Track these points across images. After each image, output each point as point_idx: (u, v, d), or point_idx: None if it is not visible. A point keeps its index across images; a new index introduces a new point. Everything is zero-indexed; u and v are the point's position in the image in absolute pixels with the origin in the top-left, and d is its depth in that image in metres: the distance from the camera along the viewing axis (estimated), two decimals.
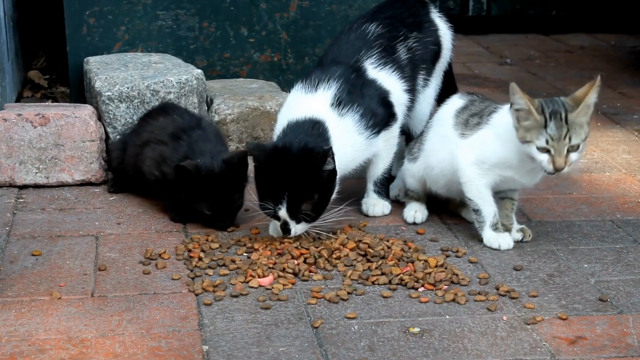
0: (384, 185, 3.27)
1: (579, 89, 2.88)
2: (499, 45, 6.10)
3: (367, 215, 3.26)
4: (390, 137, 3.22)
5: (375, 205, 3.26)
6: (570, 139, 2.81)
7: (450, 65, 3.54)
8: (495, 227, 3.02)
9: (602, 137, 4.17)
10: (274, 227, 3.06)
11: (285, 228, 2.93)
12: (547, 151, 2.82)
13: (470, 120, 3.04)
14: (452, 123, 3.08)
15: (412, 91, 3.29)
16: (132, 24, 4.09)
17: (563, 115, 2.81)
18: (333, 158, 2.91)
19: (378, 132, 3.14)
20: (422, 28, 3.38)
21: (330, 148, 2.89)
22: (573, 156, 2.84)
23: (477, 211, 3.04)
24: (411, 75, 3.29)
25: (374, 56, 3.20)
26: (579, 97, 2.86)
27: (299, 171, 2.88)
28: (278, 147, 2.93)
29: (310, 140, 2.94)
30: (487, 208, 3.02)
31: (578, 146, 2.83)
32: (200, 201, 3.09)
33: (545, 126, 2.81)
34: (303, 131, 2.96)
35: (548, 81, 5.15)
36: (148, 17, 4.10)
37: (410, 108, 3.32)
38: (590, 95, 2.84)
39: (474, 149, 3.00)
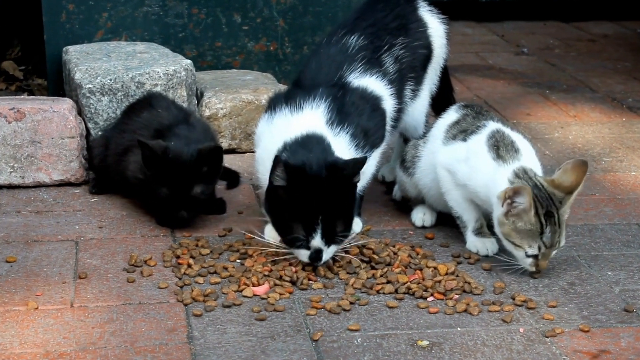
0: (358, 204, 3.22)
1: (565, 172, 2.82)
2: (515, 33, 6.10)
3: None
4: (377, 157, 3.19)
5: None
6: (559, 243, 2.83)
7: (445, 60, 3.51)
8: (478, 232, 3.06)
9: (627, 134, 4.17)
10: (270, 232, 3.06)
11: (317, 256, 2.84)
12: (535, 256, 2.84)
13: (458, 136, 3.08)
14: (442, 137, 3.12)
15: (400, 106, 3.25)
16: (115, 10, 4.09)
17: (556, 218, 2.80)
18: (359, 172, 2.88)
19: (375, 147, 3.12)
20: (408, 30, 3.30)
21: (366, 158, 2.88)
22: (554, 252, 2.86)
23: (458, 217, 3.10)
24: (398, 88, 3.23)
25: (358, 70, 3.14)
26: (566, 185, 2.81)
27: (333, 188, 2.81)
28: (299, 165, 2.83)
29: (328, 156, 2.87)
30: (467, 215, 3.07)
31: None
32: (161, 185, 3.11)
33: (542, 232, 2.80)
34: (311, 148, 2.89)
35: (568, 72, 5.16)
36: (133, 3, 4.10)
37: (396, 125, 3.29)
38: (581, 185, 2.82)
39: (448, 157, 3.05)
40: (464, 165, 2.99)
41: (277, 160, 2.80)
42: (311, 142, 2.91)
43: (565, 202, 2.82)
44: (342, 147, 2.98)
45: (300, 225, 2.81)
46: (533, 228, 2.80)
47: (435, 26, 3.39)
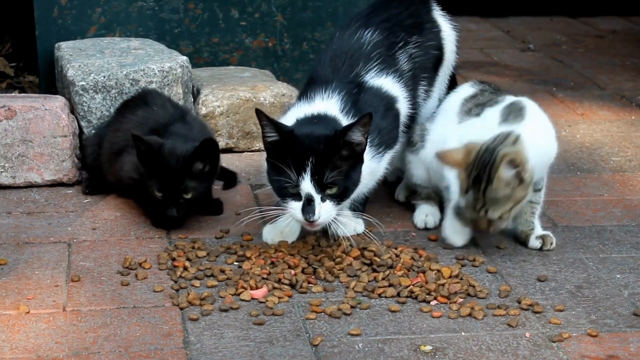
0: (362, 204, 3.21)
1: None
2: (520, 29, 6.10)
3: (335, 234, 3.07)
4: (388, 159, 3.20)
5: (347, 224, 3.06)
6: (486, 212, 2.89)
7: (454, 68, 3.52)
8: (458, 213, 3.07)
9: (636, 133, 4.17)
10: (268, 232, 3.06)
11: (309, 207, 2.84)
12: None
13: (474, 110, 3.10)
14: (457, 110, 3.15)
15: (414, 106, 3.28)
16: (109, 5, 4.09)
17: (482, 187, 2.86)
18: (367, 135, 2.88)
19: (388, 148, 3.14)
20: (422, 30, 3.34)
21: (371, 114, 2.86)
22: (501, 224, 2.93)
23: (446, 188, 3.11)
24: (412, 89, 3.27)
25: (374, 69, 3.16)
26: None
27: (327, 134, 2.86)
28: (300, 120, 2.95)
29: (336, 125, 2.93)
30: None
31: (501, 216, 2.90)
32: (152, 179, 3.11)
33: (465, 191, 2.90)
34: (319, 123, 2.95)
35: (576, 69, 5.15)
36: None
37: (409, 128, 3.30)
38: (501, 172, 2.84)
39: (461, 132, 3.05)
40: (479, 135, 2.98)
41: (258, 112, 2.86)
42: (321, 119, 2.96)
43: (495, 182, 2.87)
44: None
45: (291, 166, 2.83)
46: (462, 184, 2.90)
47: (447, 30, 3.43)
